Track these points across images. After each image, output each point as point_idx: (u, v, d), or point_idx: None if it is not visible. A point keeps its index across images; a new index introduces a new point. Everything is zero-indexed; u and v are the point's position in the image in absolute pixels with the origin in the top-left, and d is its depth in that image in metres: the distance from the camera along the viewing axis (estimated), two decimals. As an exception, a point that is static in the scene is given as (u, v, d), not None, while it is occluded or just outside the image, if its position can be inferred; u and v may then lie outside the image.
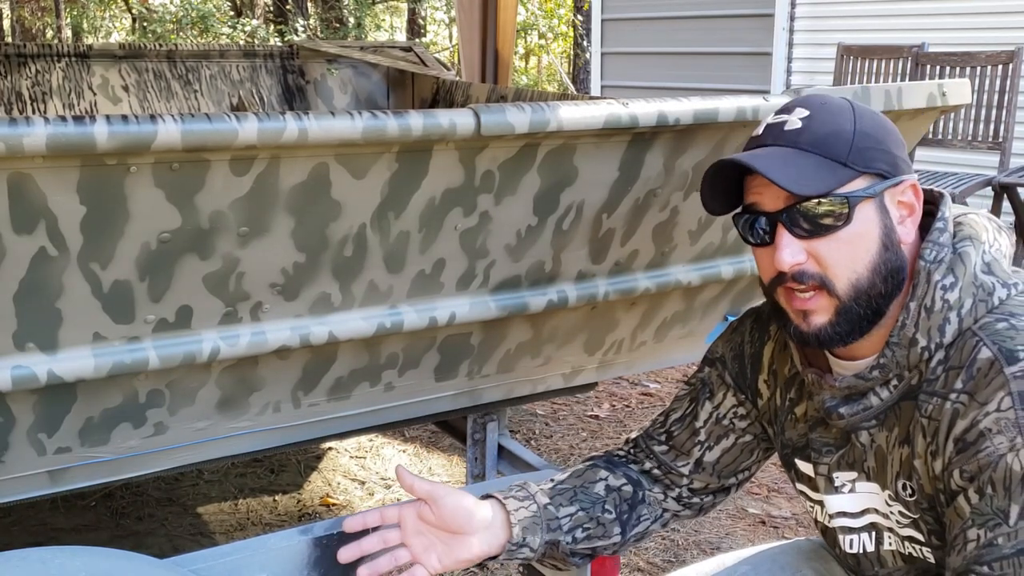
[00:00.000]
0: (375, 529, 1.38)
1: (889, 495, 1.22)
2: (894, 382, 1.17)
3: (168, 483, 3.01)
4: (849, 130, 1.13)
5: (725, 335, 1.45)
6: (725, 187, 1.21)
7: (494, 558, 1.33)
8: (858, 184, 1.12)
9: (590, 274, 1.70)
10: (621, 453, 1.48)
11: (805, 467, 1.32)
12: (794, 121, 1.15)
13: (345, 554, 1.36)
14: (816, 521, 1.36)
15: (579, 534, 1.36)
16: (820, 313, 1.14)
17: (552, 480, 1.41)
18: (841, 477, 1.26)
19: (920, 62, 5.03)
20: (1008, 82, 4.76)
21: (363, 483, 3.10)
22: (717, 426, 1.41)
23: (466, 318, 1.59)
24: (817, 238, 1.12)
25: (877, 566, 1.29)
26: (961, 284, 1.13)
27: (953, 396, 1.11)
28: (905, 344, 1.14)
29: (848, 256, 1.12)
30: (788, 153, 1.13)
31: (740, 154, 1.16)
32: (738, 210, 1.21)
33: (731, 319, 1.95)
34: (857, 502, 1.26)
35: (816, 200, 1.11)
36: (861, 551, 1.29)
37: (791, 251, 1.13)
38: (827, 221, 1.11)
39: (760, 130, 1.19)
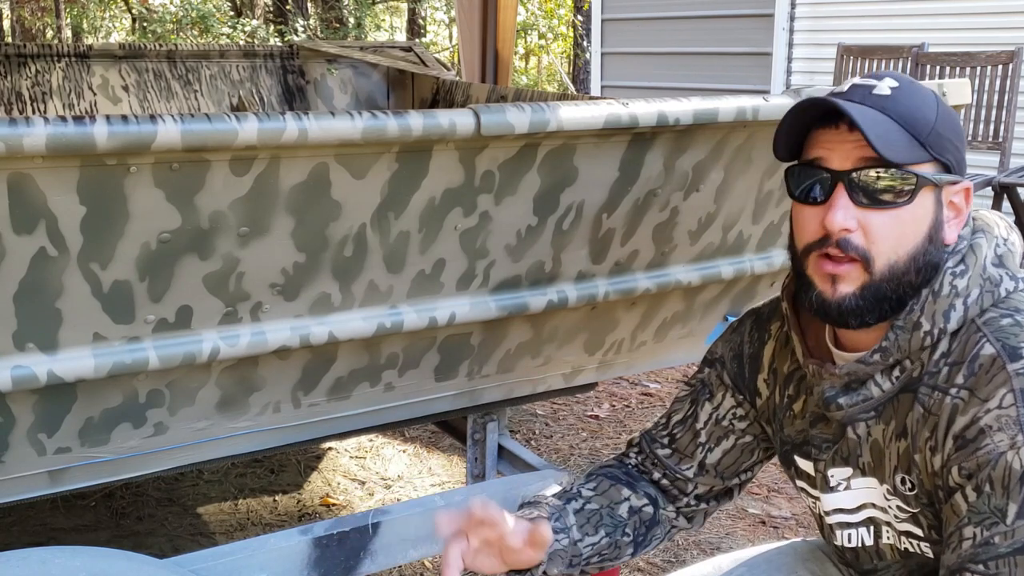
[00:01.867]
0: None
1: (887, 489, 1.21)
2: (896, 372, 1.16)
3: (168, 483, 3.01)
4: (933, 112, 1.12)
5: (725, 335, 1.45)
6: (795, 134, 1.17)
7: (520, 572, 1.32)
8: (927, 168, 1.12)
9: (590, 274, 1.70)
10: (631, 462, 1.46)
11: (804, 464, 1.32)
12: (883, 88, 1.13)
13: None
14: (816, 515, 1.36)
15: (595, 559, 1.36)
16: (848, 282, 1.12)
17: (581, 495, 1.38)
18: (836, 475, 1.26)
19: (920, 62, 5.03)
20: (1008, 82, 4.76)
21: (363, 483, 3.10)
22: (717, 427, 1.41)
23: (466, 318, 1.59)
24: (873, 209, 1.10)
25: (876, 559, 1.29)
26: (971, 273, 1.13)
27: (954, 391, 1.10)
28: (909, 328, 1.13)
29: (896, 236, 1.11)
30: (876, 115, 1.10)
31: (832, 101, 1.12)
32: (794, 163, 1.18)
33: (731, 319, 1.95)
34: (854, 498, 1.26)
35: (884, 171, 1.09)
36: (859, 545, 1.29)
37: (845, 214, 1.10)
38: (889, 196, 1.10)
39: (845, 88, 1.15)
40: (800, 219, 1.17)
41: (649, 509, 1.41)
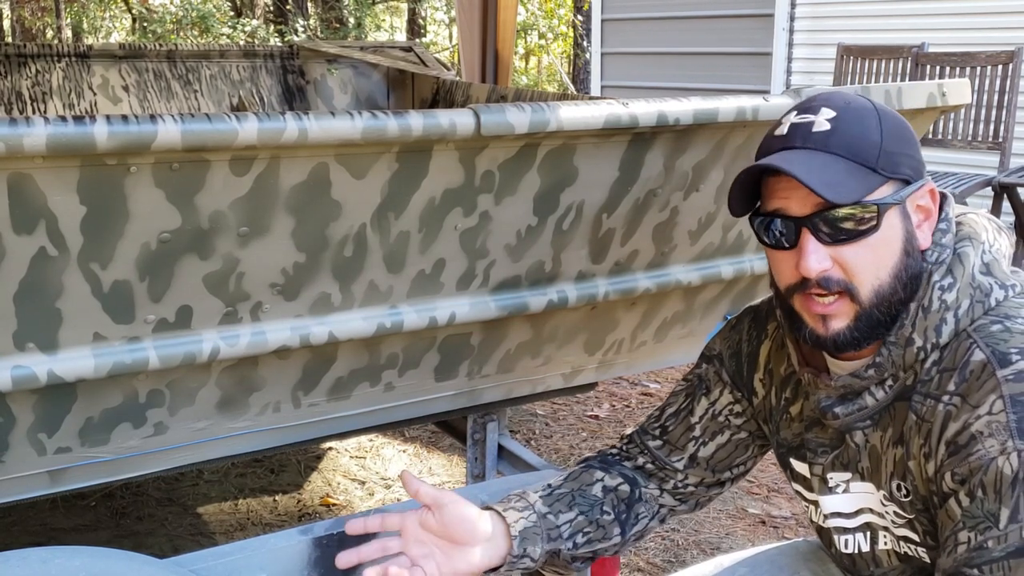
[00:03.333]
0: (375, 535, 1.37)
1: (884, 495, 1.22)
2: (889, 382, 1.17)
3: (168, 483, 3.01)
4: (877, 134, 1.12)
5: (723, 332, 1.45)
6: (747, 186, 1.18)
7: (495, 570, 1.33)
8: (885, 190, 1.11)
9: (590, 274, 1.70)
10: (614, 451, 1.48)
11: (800, 467, 1.32)
12: (821, 122, 1.13)
13: (344, 559, 1.34)
14: (812, 521, 1.36)
15: (579, 539, 1.36)
16: (840, 318, 1.13)
17: (549, 485, 1.40)
18: (835, 478, 1.26)
19: (920, 62, 5.03)
20: (1008, 82, 4.76)
21: (363, 483, 3.10)
22: (713, 422, 1.41)
23: (466, 318, 1.59)
24: (843, 244, 1.11)
25: (872, 566, 1.29)
26: (959, 285, 1.13)
27: (946, 398, 1.11)
28: (901, 344, 1.14)
29: (873, 262, 1.11)
30: (820, 157, 1.10)
31: (773, 158, 1.13)
32: (756, 211, 1.19)
33: (730, 319, 1.95)
34: (851, 502, 1.27)
35: (842, 209, 1.09)
36: (856, 551, 1.29)
37: (817, 257, 1.11)
38: (855, 228, 1.10)
39: (784, 130, 1.16)
40: (776, 263, 1.18)
41: (625, 487, 1.41)
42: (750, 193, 1.19)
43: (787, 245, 1.14)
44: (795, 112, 1.17)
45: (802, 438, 1.30)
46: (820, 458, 1.27)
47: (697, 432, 1.41)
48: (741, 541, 2.71)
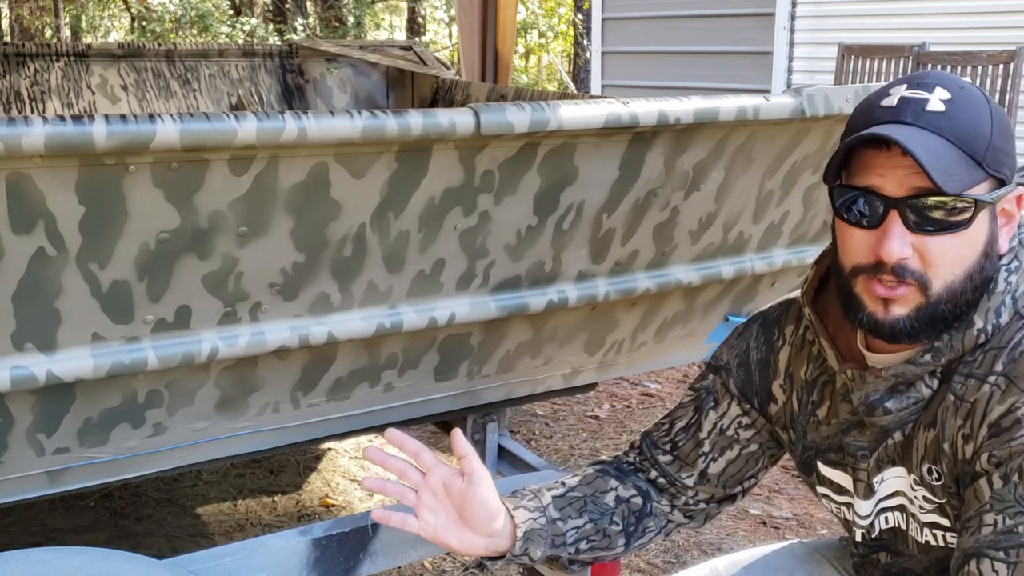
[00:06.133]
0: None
1: (915, 479, 1.18)
2: (940, 369, 1.13)
3: (167, 484, 3.01)
4: (988, 126, 1.07)
5: (730, 340, 1.41)
6: (843, 153, 1.11)
7: (493, 559, 1.32)
8: (983, 187, 1.06)
9: (590, 274, 1.70)
10: (629, 460, 1.45)
11: (828, 471, 1.29)
12: (935, 102, 1.06)
13: (372, 454, 1.29)
14: (845, 520, 1.32)
15: (583, 545, 1.34)
16: (902, 305, 1.08)
17: (563, 484, 1.37)
18: (876, 479, 1.23)
19: (921, 61, 5.03)
20: (1008, 82, 4.76)
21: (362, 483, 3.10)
22: (721, 437, 1.37)
23: (466, 318, 1.59)
24: (929, 235, 1.06)
25: (910, 546, 1.26)
26: (1022, 268, 1.11)
27: (992, 379, 1.08)
28: (963, 327, 1.10)
29: (953, 258, 1.07)
30: (934, 139, 1.04)
31: (888, 129, 1.05)
32: (840, 181, 1.12)
33: (731, 319, 1.95)
34: (887, 488, 1.23)
35: (940, 198, 1.04)
36: (896, 526, 1.26)
37: (901, 243, 1.06)
38: (946, 219, 1.05)
39: (894, 101, 1.08)
40: (848, 240, 1.12)
41: (638, 500, 1.39)
42: (841, 161, 1.12)
43: (870, 224, 1.09)
44: (905, 85, 1.10)
45: (834, 441, 1.26)
46: (861, 463, 1.23)
47: (706, 448, 1.38)
48: (742, 542, 2.71)
